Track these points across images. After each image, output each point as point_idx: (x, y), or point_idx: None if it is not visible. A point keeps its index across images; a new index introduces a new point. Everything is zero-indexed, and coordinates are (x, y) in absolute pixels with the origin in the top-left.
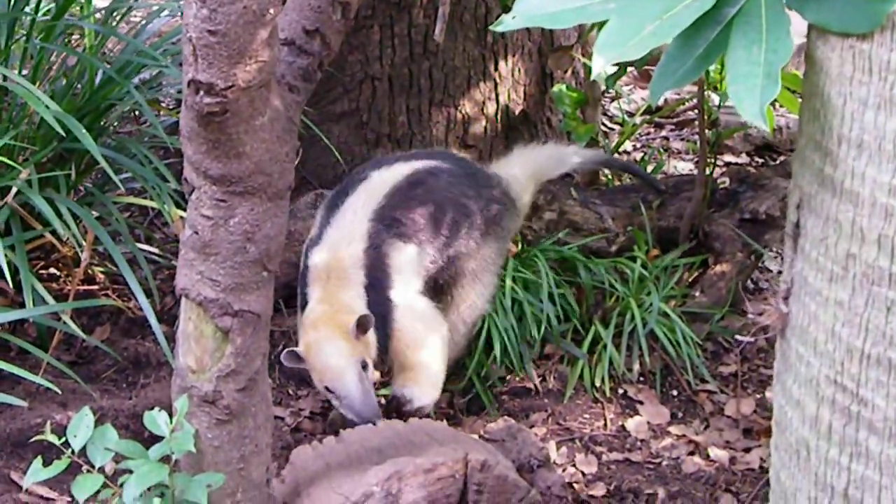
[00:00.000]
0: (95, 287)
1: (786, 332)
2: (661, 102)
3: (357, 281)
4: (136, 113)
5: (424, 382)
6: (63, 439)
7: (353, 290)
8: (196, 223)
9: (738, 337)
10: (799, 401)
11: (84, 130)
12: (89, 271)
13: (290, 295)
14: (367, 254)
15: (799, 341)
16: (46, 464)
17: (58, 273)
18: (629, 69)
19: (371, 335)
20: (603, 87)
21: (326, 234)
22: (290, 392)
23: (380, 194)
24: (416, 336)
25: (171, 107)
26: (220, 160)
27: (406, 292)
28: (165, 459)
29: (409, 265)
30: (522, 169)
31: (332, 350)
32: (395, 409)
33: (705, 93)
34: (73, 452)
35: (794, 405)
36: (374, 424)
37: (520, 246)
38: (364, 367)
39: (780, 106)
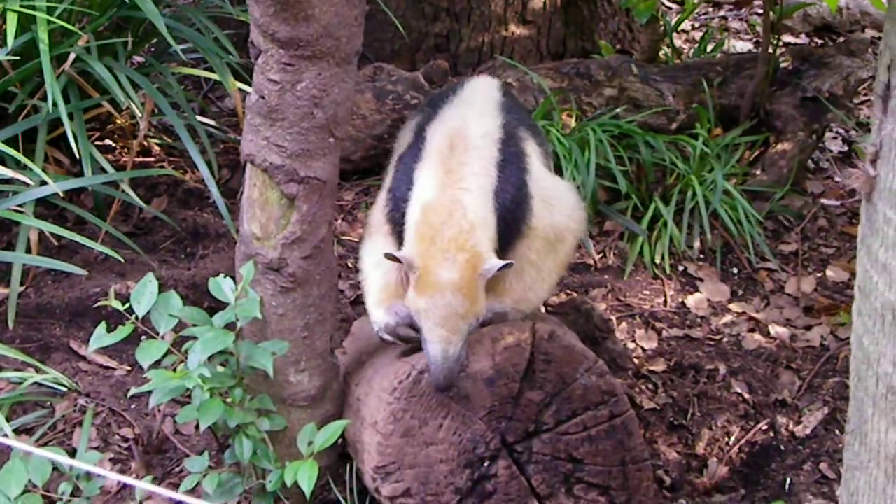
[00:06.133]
0: (151, 159)
1: (873, 195)
2: None
3: (488, 156)
4: None
5: (522, 300)
6: (126, 305)
7: (481, 167)
8: (263, 87)
9: (823, 201)
10: (885, 265)
11: None
12: (144, 143)
13: (349, 171)
14: (503, 128)
15: (887, 204)
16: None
17: (113, 144)
18: None
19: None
20: None
21: (446, 111)
22: (350, 265)
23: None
24: (547, 239)
25: None
26: (289, 22)
27: (543, 178)
28: (230, 327)
29: (537, 156)
30: None
31: (452, 303)
32: None
33: None
34: (136, 319)
35: (880, 269)
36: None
37: (575, 121)
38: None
39: None
